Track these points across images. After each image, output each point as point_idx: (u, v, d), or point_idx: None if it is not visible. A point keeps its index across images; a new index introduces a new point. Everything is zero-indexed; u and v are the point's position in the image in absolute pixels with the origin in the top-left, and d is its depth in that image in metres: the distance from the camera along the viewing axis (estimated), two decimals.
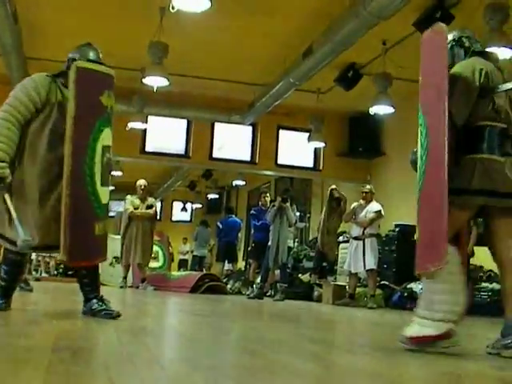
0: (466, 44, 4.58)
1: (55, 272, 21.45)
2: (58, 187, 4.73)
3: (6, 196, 4.64)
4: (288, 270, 13.01)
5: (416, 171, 4.42)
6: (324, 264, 13.33)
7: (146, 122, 14.95)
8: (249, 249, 17.23)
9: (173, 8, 9.14)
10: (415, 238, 4.41)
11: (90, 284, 5.03)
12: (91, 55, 5.27)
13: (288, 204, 12.46)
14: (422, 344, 4.07)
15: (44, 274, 19.06)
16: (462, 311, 4.05)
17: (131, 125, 14.39)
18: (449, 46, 4.52)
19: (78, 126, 4.79)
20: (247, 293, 14.21)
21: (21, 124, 4.75)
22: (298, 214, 13.35)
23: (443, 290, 4.06)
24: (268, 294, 13.35)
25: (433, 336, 4.02)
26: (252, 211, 14.31)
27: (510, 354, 3.87)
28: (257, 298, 12.39)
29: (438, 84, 4.16)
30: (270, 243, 12.54)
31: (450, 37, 4.58)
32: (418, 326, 4.15)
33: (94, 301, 4.94)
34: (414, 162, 4.65)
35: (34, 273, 17.87)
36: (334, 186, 13.59)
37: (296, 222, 12.99)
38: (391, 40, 11.40)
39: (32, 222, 4.68)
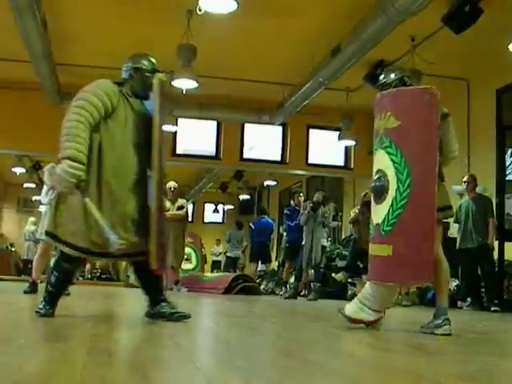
0: (408, 82, 5.44)
1: (89, 276, 21.63)
2: (136, 196, 4.86)
3: (87, 200, 4.63)
4: (321, 270, 12.97)
5: (378, 196, 5.09)
6: (358, 263, 13.26)
7: (177, 125, 15.01)
8: (281, 247, 17.18)
9: (200, 10, 9.17)
10: (389, 253, 4.92)
11: (158, 287, 5.12)
12: (153, 65, 5.36)
13: (320, 209, 12.44)
14: (355, 324, 5.14)
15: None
16: (391, 306, 5.44)
17: None
18: (393, 84, 5.35)
19: (163, 136, 5.15)
20: (281, 293, 14.22)
21: (91, 129, 4.76)
22: (333, 213, 13.22)
23: (384, 290, 5.13)
24: (302, 294, 13.34)
25: (367, 321, 5.14)
26: (286, 211, 14.28)
27: (442, 332, 4.98)
28: (291, 297, 12.38)
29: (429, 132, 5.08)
30: (303, 243, 12.53)
31: (393, 76, 5.41)
32: (356, 308, 5.19)
33: (163, 304, 4.98)
34: (380, 187, 5.11)
35: None
36: (364, 193, 13.55)
37: (330, 221, 12.93)
38: (420, 36, 11.33)
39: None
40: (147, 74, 5.22)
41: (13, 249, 25.05)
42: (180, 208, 13.27)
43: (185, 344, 3.77)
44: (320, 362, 3.22)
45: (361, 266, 12.79)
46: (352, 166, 16.70)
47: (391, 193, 4.92)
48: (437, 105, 5.09)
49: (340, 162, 16.56)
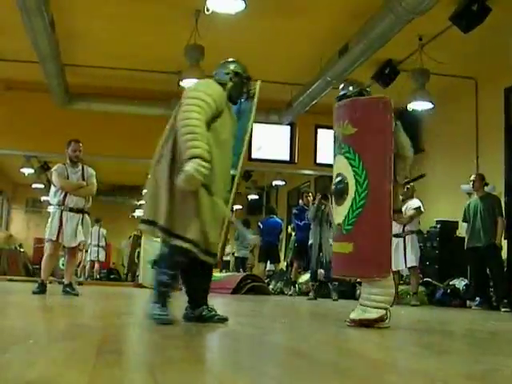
0: (366, 95, 5.83)
1: (98, 276, 21.67)
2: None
3: (215, 199, 4.82)
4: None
5: (339, 198, 5.40)
6: None
7: None
8: (289, 247, 17.14)
9: (208, 10, 9.18)
10: (350, 250, 5.20)
11: (206, 291, 5.15)
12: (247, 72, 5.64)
13: (328, 207, 12.40)
14: (363, 324, 5.20)
15: (81, 278, 19.20)
16: (392, 301, 5.41)
17: None
18: (352, 96, 5.75)
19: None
20: (290, 293, 14.21)
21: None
22: None
23: (380, 286, 5.27)
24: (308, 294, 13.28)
25: (372, 319, 5.23)
26: (294, 211, 14.27)
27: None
28: (313, 299, 12.28)
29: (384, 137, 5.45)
30: (311, 242, 12.52)
31: (352, 88, 5.83)
32: (360, 311, 5.31)
33: (204, 307, 4.98)
34: (340, 190, 5.42)
35: (74, 277, 18.06)
36: None
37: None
38: (428, 35, 11.32)
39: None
40: (245, 79, 5.42)
41: (21, 249, 25.10)
42: None
43: (194, 344, 3.78)
44: (330, 361, 3.22)
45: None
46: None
47: (351, 194, 5.26)
48: (390, 112, 5.51)
49: None
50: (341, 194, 5.34)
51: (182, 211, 4.76)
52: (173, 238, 4.74)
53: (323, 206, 12.44)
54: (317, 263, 12.34)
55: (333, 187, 5.53)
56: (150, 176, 4.97)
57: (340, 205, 5.37)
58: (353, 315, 5.33)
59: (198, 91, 4.93)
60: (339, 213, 5.39)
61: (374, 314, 5.29)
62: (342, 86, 6.02)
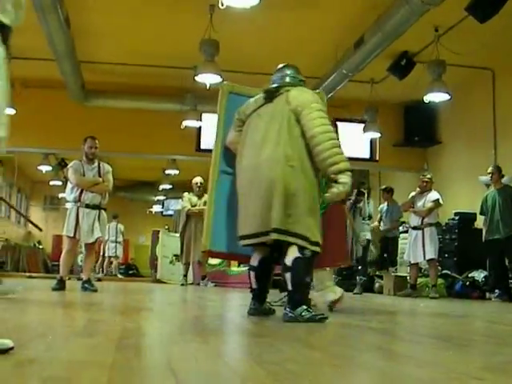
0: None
1: (116, 272, 21.73)
2: None
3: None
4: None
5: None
6: (385, 255, 13.17)
7: (201, 120, 15.00)
8: None
9: (222, 4, 9.16)
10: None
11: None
12: None
13: (365, 197, 12.38)
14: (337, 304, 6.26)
15: (99, 274, 19.22)
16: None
17: (186, 123, 14.50)
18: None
19: None
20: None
21: None
22: (372, 208, 13.08)
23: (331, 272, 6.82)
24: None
25: (336, 299, 6.19)
26: None
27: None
28: (358, 293, 12.19)
29: None
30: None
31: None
32: (328, 294, 6.26)
33: (304, 307, 4.91)
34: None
35: (93, 273, 18.13)
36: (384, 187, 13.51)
37: (370, 215, 12.80)
38: (443, 26, 11.26)
39: None
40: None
41: (40, 246, 25.23)
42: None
43: (212, 338, 3.78)
44: (347, 354, 3.21)
45: (385, 257, 12.76)
46: (377, 158, 16.60)
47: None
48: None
49: (365, 154, 16.42)
50: None
51: (311, 218, 5.05)
52: (309, 243, 4.95)
53: (360, 202, 12.38)
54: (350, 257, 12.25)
55: None
56: (276, 181, 4.98)
57: None
58: (329, 298, 6.24)
59: (317, 102, 5.28)
60: None
61: (338, 293, 6.29)
62: None
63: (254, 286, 5.40)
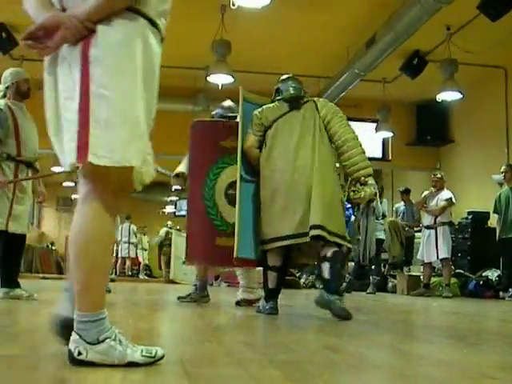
0: None
1: (130, 273, 21.77)
2: None
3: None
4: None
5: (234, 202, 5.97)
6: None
7: None
8: None
9: (233, 5, 9.18)
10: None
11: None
12: None
13: (377, 197, 12.34)
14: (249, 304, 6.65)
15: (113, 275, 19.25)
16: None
17: None
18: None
19: None
20: (321, 286, 14.17)
21: None
22: (386, 207, 13.04)
23: (254, 273, 7.13)
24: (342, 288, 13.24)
25: (254, 299, 6.64)
26: None
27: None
28: (372, 293, 12.22)
29: None
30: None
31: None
32: (246, 294, 6.85)
33: (337, 296, 5.20)
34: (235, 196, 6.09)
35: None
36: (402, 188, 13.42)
37: (384, 214, 12.76)
38: (455, 25, 11.25)
39: None
40: None
41: (53, 247, 25.31)
42: None
43: (226, 339, 3.78)
44: (363, 354, 3.21)
45: (403, 258, 12.71)
46: (390, 158, 16.59)
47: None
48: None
49: (378, 153, 16.41)
50: (234, 200, 5.78)
51: (343, 218, 5.65)
52: (347, 241, 5.47)
53: (373, 202, 12.34)
54: (363, 257, 12.21)
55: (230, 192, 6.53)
56: (315, 186, 5.32)
57: (234, 206, 5.82)
58: (242, 296, 6.82)
59: (342, 112, 5.86)
60: (232, 214, 5.91)
61: (253, 294, 6.79)
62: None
63: (272, 286, 5.59)
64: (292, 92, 5.77)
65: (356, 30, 11.44)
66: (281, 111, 5.68)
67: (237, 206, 5.61)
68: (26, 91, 6.94)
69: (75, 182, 21.84)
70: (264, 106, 5.82)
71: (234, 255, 5.51)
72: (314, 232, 5.19)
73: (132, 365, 2.41)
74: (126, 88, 2.42)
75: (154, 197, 28.21)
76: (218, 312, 6.57)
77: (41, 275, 18.24)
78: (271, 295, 5.61)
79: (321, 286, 13.50)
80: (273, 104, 5.82)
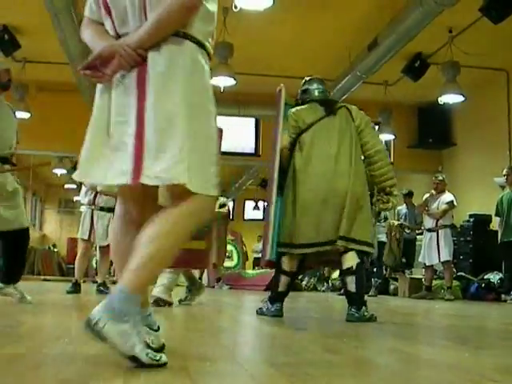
0: None
1: None
2: None
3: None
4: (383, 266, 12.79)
5: None
6: (403, 258, 13.09)
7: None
8: None
9: (236, 7, 9.18)
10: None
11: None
12: None
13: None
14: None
15: (115, 277, 19.23)
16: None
17: None
18: None
19: None
20: (323, 289, 14.19)
21: None
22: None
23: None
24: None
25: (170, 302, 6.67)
26: None
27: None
28: (373, 296, 12.16)
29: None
30: None
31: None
32: (166, 295, 6.64)
33: (365, 307, 5.32)
34: None
35: (108, 276, 18.09)
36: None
37: (385, 217, 12.75)
38: (457, 27, 11.24)
39: None
40: None
41: (55, 249, 25.32)
42: (222, 206, 13.26)
43: (228, 341, 3.78)
44: (365, 357, 3.21)
45: (403, 260, 12.68)
46: (392, 161, 16.55)
47: None
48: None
49: None
50: None
51: (371, 224, 5.88)
52: (371, 247, 5.62)
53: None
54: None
55: None
56: (351, 195, 5.43)
57: None
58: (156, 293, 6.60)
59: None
60: None
61: (166, 294, 6.67)
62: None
63: (282, 289, 5.61)
64: (320, 94, 5.90)
65: (358, 32, 11.43)
66: (317, 115, 5.69)
67: (272, 207, 5.55)
68: (5, 82, 6.41)
69: (77, 185, 21.87)
70: (298, 107, 5.79)
71: (267, 257, 5.46)
72: (339, 243, 5.34)
73: (134, 360, 2.42)
74: (180, 111, 2.53)
75: None
76: (219, 314, 6.57)
77: (42, 277, 18.24)
78: (278, 298, 5.61)
79: (321, 289, 13.49)
80: (307, 105, 5.81)
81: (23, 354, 2.74)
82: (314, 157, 5.55)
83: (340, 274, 5.84)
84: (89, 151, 2.68)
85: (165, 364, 2.50)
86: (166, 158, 2.48)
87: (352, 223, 5.36)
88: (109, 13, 2.66)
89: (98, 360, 2.67)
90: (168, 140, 2.49)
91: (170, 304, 6.62)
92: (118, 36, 2.65)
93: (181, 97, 2.54)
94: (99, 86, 2.72)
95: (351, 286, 5.29)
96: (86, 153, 2.68)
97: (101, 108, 2.69)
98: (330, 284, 14.38)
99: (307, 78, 6.09)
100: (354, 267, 5.29)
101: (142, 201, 2.78)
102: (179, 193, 2.54)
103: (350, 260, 5.33)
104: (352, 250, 5.34)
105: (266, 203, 6.09)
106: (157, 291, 6.59)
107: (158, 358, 2.48)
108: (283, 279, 5.59)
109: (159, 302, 6.48)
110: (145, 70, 2.54)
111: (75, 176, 2.68)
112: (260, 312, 5.65)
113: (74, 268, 9.52)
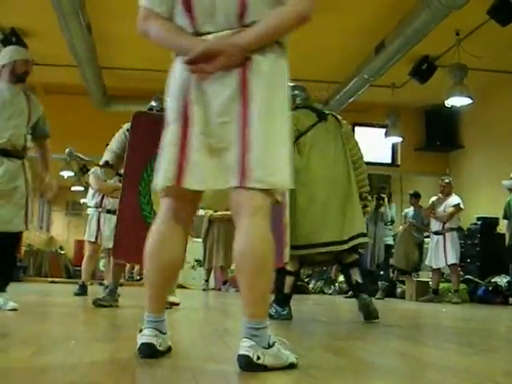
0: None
1: (138, 277, 21.75)
2: None
3: None
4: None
5: None
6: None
7: None
8: None
9: None
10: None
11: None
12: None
13: (385, 202, 12.30)
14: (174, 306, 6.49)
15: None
16: None
17: None
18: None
19: None
20: (329, 291, 14.17)
21: None
22: (394, 213, 13.02)
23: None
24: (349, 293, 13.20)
25: (177, 302, 6.66)
26: None
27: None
28: (381, 298, 12.16)
29: None
30: None
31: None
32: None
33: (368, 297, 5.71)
34: None
35: None
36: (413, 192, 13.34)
37: (392, 220, 12.74)
38: (465, 30, 11.21)
39: None
40: None
41: (62, 252, 25.33)
42: (227, 209, 13.26)
43: (234, 343, 3.78)
44: (371, 360, 3.20)
45: (416, 261, 12.64)
46: (399, 163, 16.56)
47: None
48: None
49: (387, 159, 16.38)
50: None
51: None
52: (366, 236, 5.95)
53: (381, 207, 12.29)
54: (371, 263, 12.17)
55: None
56: (352, 196, 5.78)
57: None
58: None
59: None
60: None
61: (175, 297, 6.74)
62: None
63: (288, 290, 5.72)
64: (306, 101, 6.10)
65: (365, 35, 11.42)
66: (312, 120, 5.88)
67: (287, 210, 5.53)
68: (22, 74, 5.89)
69: (84, 187, 21.89)
70: (294, 112, 5.84)
71: (286, 260, 5.47)
72: (361, 240, 5.71)
73: (291, 366, 2.62)
74: (279, 117, 2.61)
75: None
76: (226, 317, 6.57)
77: (49, 279, 18.26)
78: (285, 300, 5.70)
79: (328, 292, 13.52)
80: (303, 110, 5.96)
81: (29, 357, 2.74)
82: (313, 159, 5.69)
83: (343, 269, 6.03)
84: (190, 153, 2.61)
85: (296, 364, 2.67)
86: (271, 163, 2.54)
87: (351, 221, 5.64)
88: (189, 9, 2.64)
89: (104, 362, 2.67)
90: (272, 145, 2.55)
91: (177, 304, 6.66)
92: (197, 34, 2.64)
93: (280, 102, 2.64)
94: (193, 83, 2.64)
95: (357, 276, 5.64)
96: (184, 156, 2.62)
97: (197, 104, 2.61)
98: (337, 287, 14.35)
99: (291, 84, 6.18)
100: (355, 260, 5.75)
101: (192, 201, 2.78)
102: (255, 197, 2.57)
103: (353, 254, 5.73)
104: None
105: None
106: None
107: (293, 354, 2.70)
108: (288, 280, 5.68)
109: (167, 306, 6.46)
110: (247, 72, 2.56)
111: (187, 185, 2.60)
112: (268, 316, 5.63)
113: (81, 270, 9.52)
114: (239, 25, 2.60)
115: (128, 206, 6.42)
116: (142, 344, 2.68)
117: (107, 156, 6.95)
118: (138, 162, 6.38)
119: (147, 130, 6.38)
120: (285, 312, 5.63)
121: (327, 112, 6.16)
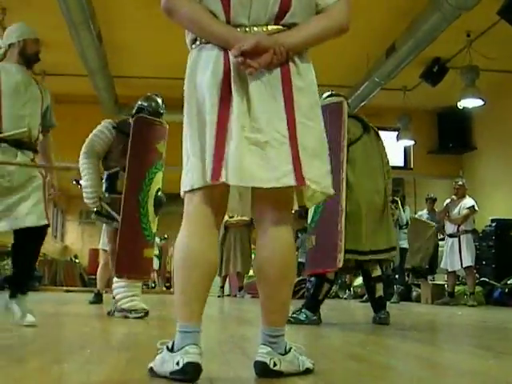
0: None
1: (153, 284, 21.78)
2: None
3: None
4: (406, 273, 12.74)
5: None
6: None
7: None
8: None
9: None
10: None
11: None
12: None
13: (399, 205, 12.25)
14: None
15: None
16: None
17: None
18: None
19: None
20: (344, 296, 14.13)
21: None
22: (408, 216, 12.97)
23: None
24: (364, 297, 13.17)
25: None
26: None
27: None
28: (396, 302, 12.11)
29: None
30: None
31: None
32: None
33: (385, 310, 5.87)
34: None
35: None
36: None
37: (407, 223, 12.68)
38: (475, 31, 11.19)
39: None
40: None
41: (77, 260, 25.40)
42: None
43: (249, 349, 3.77)
44: (387, 364, 3.19)
45: (426, 266, 12.59)
46: (412, 166, 16.53)
47: None
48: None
49: (399, 162, 16.33)
50: None
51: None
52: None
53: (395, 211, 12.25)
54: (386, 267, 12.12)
55: None
56: (387, 209, 5.98)
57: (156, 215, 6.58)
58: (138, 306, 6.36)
59: None
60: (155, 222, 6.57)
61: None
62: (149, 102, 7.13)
63: (322, 297, 5.86)
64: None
65: (376, 38, 11.41)
66: (359, 130, 6.01)
67: (343, 216, 5.57)
68: (33, 54, 5.30)
69: None
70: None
71: (339, 265, 5.50)
72: (393, 253, 5.97)
73: (307, 372, 2.63)
74: (321, 121, 2.62)
75: (177, 208, 28.25)
76: (242, 323, 6.56)
77: (64, 288, 18.30)
78: (317, 307, 5.83)
79: (343, 296, 13.50)
80: (351, 120, 6.03)
81: (46, 365, 2.74)
82: (363, 171, 5.82)
83: (368, 281, 6.06)
84: (233, 147, 2.44)
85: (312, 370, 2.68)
86: (319, 166, 2.54)
87: (386, 234, 5.84)
88: None
89: (121, 371, 2.67)
90: (320, 149, 2.57)
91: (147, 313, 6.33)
92: (228, 22, 2.54)
93: (318, 107, 2.66)
94: (214, 75, 2.54)
95: (381, 292, 5.84)
96: (227, 150, 2.46)
97: (236, 98, 2.49)
98: (352, 291, 14.32)
99: (328, 93, 6.58)
100: (381, 275, 5.94)
101: (221, 204, 2.69)
102: (281, 200, 2.58)
103: (378, 268, 5.91)
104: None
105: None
106: (137, 303, 6.28)
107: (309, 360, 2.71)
108: (325, 287, 5.82)
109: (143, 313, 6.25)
110: (292, 72, 2.57)
111: (230, 181, 2.43)
112: (295, 321, 5.64)
113: (95, 279, 9.54)
114: (276, 23, 2.55)
115: (129, 219, 6.21)
116: (189, 364, 2.38)
117: (92, 185, 7.07)
118: (138, 171, 6.31)
119: (144, 135, 6.44)
120: (315, 317, 5.73)
121: (370, 123, 6.27)
